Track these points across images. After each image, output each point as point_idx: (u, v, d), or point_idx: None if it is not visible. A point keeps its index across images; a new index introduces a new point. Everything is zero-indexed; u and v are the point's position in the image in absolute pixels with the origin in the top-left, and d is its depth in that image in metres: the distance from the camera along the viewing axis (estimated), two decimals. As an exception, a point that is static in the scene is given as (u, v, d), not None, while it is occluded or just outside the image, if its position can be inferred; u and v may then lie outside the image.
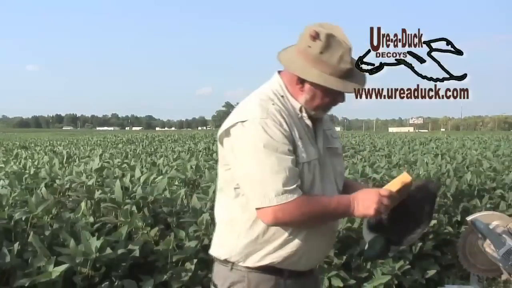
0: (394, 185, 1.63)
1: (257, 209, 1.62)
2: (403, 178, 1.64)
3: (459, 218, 4.43)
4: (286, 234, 1.68)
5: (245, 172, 1.64)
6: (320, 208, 1.63)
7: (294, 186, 1.59)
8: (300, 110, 1.73)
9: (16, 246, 2.60)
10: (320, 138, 1.78)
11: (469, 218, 2.05)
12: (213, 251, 1.82)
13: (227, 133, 1.68)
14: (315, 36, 1.64)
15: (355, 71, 1.70)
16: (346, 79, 1.67)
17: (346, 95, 1.72)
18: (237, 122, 1.65)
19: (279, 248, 1.69)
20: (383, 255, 1.78)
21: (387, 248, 1.74)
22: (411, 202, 1.71)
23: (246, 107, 1.71)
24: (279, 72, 1.80)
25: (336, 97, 1.72)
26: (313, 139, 1.75)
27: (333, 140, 1.88)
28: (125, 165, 5.96)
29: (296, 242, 1.69)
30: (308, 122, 1.74)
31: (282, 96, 1.73)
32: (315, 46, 1.65)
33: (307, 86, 1.70)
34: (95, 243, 2.63)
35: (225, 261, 1.75)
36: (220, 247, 1.78)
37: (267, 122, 1.61)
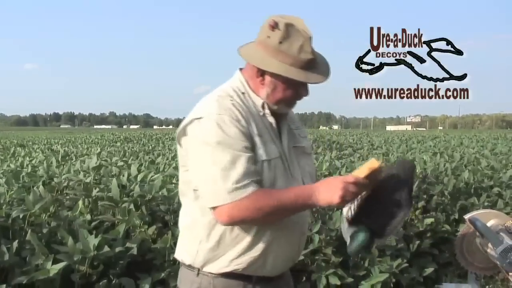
0: (361, 172, 1.54)
1: (212, 209, 1.56)
2: (371, 164, 1.54)
3: (456, 216, 4.43)
4: (248, 238, 1.62)
5: (199, 170, 1.59)
6: (276, 202, 1.53)
7: (248, 181, 1.52)
8: (263, 107, 1.67)
9: (14, 244, 2.59)
10: (285, 136, 1.72)
11: (466, 216, 2.05)
12: (178, 255, 1.77)
13: (184, 131, 1.64)
14: (274, 26, 1.59)
15: (318, 62, 1.64)
16: (308, 70, 1.60)
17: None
18: (193, 120, 1.61)
19: (242, 253, 1.63)
20: (367, 248, 1.66)
21: (371, 240, 1.64)
22: (388, 188, 1.62)
23: (203, 104, 1.66)
24: (241, 69, 1.75)
25: (298, 89, 1.66)
26: (276, 137, 1.69)
27: (301, 139, 1.82)
28: (122, 163, 5.94)
29: (260, 247, 1.63)
30: (271, 119, 1.68)
31: (243, 93, 1.69)
32: (274, 36, 1.60)
33: (267, 78, 1.64)
34: (93, 241, 2.63)
35: (190, 266, 1.70)
36: (185, 251, 1.73)
37: (224, 118, 1.56)
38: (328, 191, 1.52)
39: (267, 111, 1.68)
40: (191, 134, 1.61)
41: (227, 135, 1.54)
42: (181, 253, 1.75)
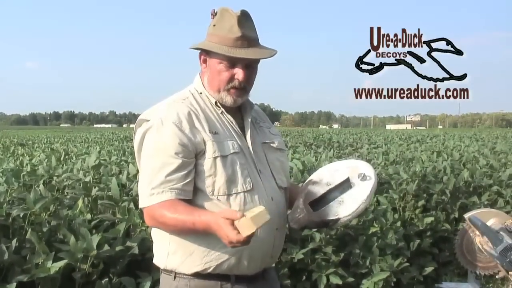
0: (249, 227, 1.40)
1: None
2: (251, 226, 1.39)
3: (456, 215, 4.44)
4: (213, 236, 1.53)
5: (140, 170, 1.67)
6: (180, 223, 1.55)
7: (166, 188, 1.55)
8: (217, 105, 1.71)
9: (14, 242, 2.59)
10: (249, 132, 1.73)
11: (466, 215, 2.06)
12: (155, 261, 1.76)
13: (134, 132, 1.71)
14: (213, 13, 1.68)
15: (254, 44, 1.66)
16: (235, 47, 1.63)
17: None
18: (143, 121, 1.66)
19: (211, 249, 1.61)
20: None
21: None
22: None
23: (156, 106, 1.71)
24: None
25: (232, 71, 1.66)
26: (237, 134, 1.70)
27: (271, 136, 1.84)
28: (122, 162, 5.93)
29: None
30: (229, 116, 1.71)
31: (200, 93, 1.73)
32: (212, 22, 1.68)
33: (208, 62, 1.70)
34: (94, 240, 2.63)
35: (166, 271, 1.70)
36: (158, 256, 1.73)
37: (164, 122, 1.60)
38: (220, 237, 1.46)
39: (223, 109, 1.71)
40: (136, 135, 1.68)
41: (162, 139, 1.58)
42: (156, 258, 1.75)
